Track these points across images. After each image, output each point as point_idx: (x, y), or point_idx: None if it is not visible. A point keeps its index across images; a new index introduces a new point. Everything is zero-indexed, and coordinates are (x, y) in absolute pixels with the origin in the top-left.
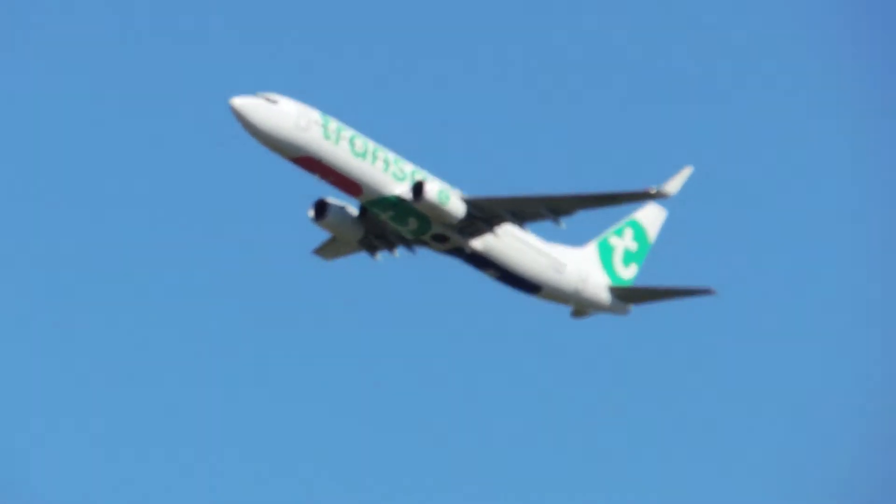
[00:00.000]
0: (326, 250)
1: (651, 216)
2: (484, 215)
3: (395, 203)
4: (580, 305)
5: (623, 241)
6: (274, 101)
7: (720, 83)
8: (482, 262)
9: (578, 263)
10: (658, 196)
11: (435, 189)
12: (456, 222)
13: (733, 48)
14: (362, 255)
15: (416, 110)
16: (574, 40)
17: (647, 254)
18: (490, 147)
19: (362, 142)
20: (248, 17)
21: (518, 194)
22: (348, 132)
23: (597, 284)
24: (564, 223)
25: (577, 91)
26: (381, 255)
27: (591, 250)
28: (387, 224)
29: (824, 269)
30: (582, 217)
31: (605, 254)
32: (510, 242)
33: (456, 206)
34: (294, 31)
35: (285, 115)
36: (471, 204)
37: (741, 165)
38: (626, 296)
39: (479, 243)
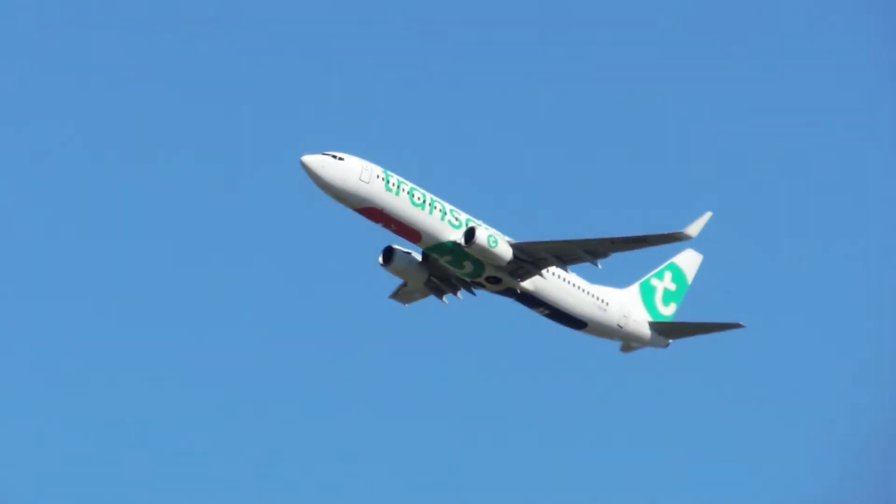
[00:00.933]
0: (400, 295)
1: (688, 260)
2: (529, 258)
3: (452, 248)
4: (624, 340)
5: (663, 283)
6: (340, 158)
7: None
8: (533, 301)
9: (621, 302)
10: (681, 238)
11: (484, 235)
12: (504, 264)
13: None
14: (432, 299)
15: (469, 167)
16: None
17: (685, 293)
18: (536, 197)
19: (420, 194)
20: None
21: (557, 239)
22: (408, 185)
23: (638, 321)
24: (601, 264)
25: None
26: (447, 298)
27: (633, 291)
28: (446, 268)
29: (852, 306)
30: (625, 262)
31: (647, 294)
32: (557, 283)
33: (504, 249)
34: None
35: (350, 170)
36: (517, 248)
37: (769, 211)
38: (664, 330)
39: (529, 284)
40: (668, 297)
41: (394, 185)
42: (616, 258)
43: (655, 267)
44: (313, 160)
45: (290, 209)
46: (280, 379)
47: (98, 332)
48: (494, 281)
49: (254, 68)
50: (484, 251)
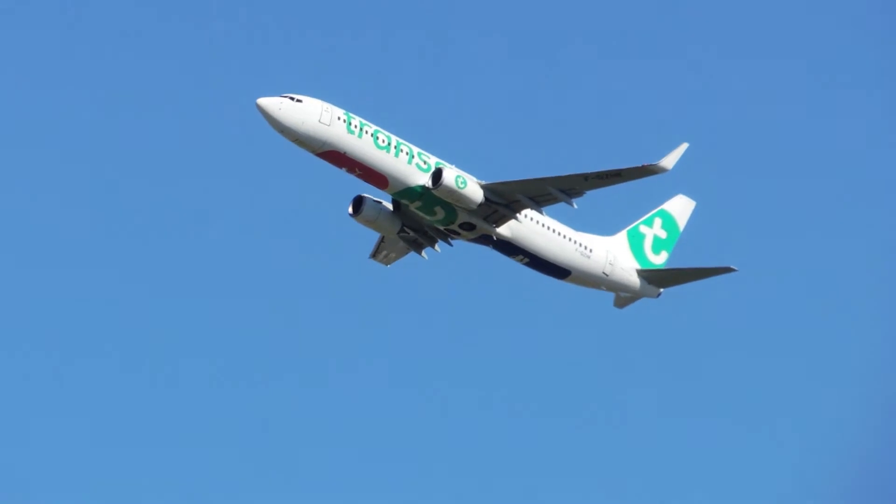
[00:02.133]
0: (380, 255)
1: (680, 206)
2: (502, 200)
3: (421, 192)
4: (610, 288)
5: (653, 230)
6: (299, 100)
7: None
8: (511, 248)
9: (606, 249)
10: (656, 170)
11: (452, 175)
12: (476, 207)
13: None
14: (412, 257)
15: (437, 107)
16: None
17: (676, 241)
18: (508, 138)
19: (385, 136)
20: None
21: (528, 178)
22: (372, 127)
23: (625, 268)
24: (576, 204)
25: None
26: (426, 253)
27: (621, 238)
28: (417, 215)
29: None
30: (614, 209)
31: (636, 241)
32: (536, 228)
33: (474, 190)
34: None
35: (309, 112)
36: (487, 189)
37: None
38: (653, 278)
39: (505, 230)
40: (658, 244)
41: (356, 126)
42: (606, 204)
43: (645, 214)
44: (269, 102)
45: (251, 156)
46: (258, 347)
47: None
48: (469, 227)
49: (205, 15)
50: (452, 193)
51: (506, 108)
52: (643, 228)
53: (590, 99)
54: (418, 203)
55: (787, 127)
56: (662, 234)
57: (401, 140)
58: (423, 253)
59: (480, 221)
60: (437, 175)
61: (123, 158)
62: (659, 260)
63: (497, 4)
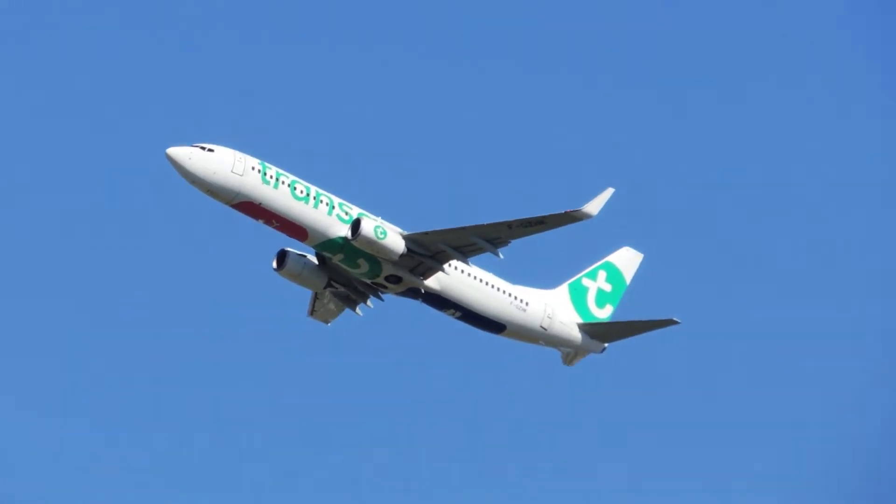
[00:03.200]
0: (317, 312)
1: (626, 259)
2: (425, 250)
3: (342, 244)
4: (550, 344)
5: (597, 283)
6: (210, 150)
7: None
8: (442, 302)
9: (545, 302)
10: (580, 216)
11: (371, 225)
12: (397, 258)
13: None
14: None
15: (361, 156)
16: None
17: (622, 294)
18: (433, 186)
19: (304, 186)
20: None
21: (450, 227)
22: (289, 178)
23: (565, 322)
24: (502, 254)
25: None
26: (361, 309)
27: (561, 291)
28: (342, 268)
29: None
30: (557, 263)
31: (578, 295)
32: (466, 281)
33: (394, 241)
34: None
35: (221, 161)
36: (409, 239)
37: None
38: (595, 332)
39: (433, 283)
40: (602, 298)
41: (272, 177)
42: (546, 258)
43: (588, 267)
44: (179, 152)
45: (165, 210)
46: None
47: None
48: (395, 280)
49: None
50: (372, 244)
51: (430, 153)
52: (586, 281)
53: (523, 137)
54: (340, 255)
55: (740, 173)
56: (607, 287)
57: (321, 191)
58: (358, 309)
59: (406, 274)
60: (355, 225)
61: (29, 218)
62: (604, 314)
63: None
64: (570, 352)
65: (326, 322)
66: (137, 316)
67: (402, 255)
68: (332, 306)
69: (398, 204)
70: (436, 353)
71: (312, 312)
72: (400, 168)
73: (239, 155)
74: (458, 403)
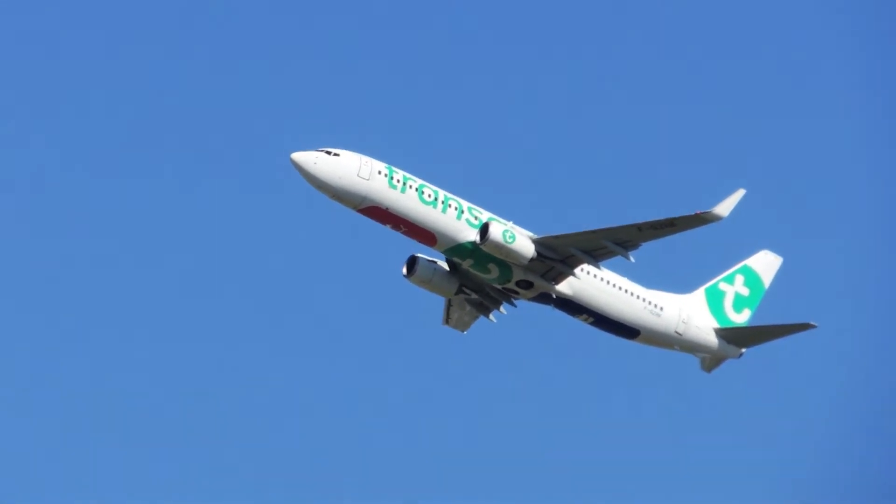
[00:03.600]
0: (452, 319)
1: (765, 262)
2: (555, 255)
3: (472, 249)
4: (685, 348)
5: (734, 287)
6: (336, 154)
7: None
8: (574, 307)
9: (680, 307)
10: (711, 218)
11: (499, 230)
12: (527, 262)
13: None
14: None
15: (487, 162)
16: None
17: (761, 299)
18: (563, 192)
19: (432, 191)
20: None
21: (580, 231)
22: (416, 182)
23: (700, 327)
24: (633, 258)
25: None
26: (494, 316)
27: (698, 296)
28: (473, 274)
29: None
30: (692, 266)
31: (715, 299)
32: (598, 285)
33: (524, 245)
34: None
35: (347, 166)
36: (539, 243)
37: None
38: (731, 337)
39: (565, 287)
40: (740, 302)
41: (399, 181)
42: (682, 263)
43: (725, 271)
44: (304, 157)
45: (290, 215)
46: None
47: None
48: (526, 286)
49: (240, 66)
50: (501, 248)
51: (556, 159)
52: (723, 286)
53: (647, 143)
54: (470, 261)
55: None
56: (745, 292)
57: (449, 195)
58: (491, 316)
59: (538, 279)
60: (484, 229)
61: (156, 217)
62: (741, 318)
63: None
64: (706, 357)
65: (462, 331)
66: (267, 322)
67: (532, 260)
68: (466, 314)
69: (527, 209)
70: (570, 359)
71: (447, 321)
72: (529, 173)
73: (365, 159)
74: (593, 408)
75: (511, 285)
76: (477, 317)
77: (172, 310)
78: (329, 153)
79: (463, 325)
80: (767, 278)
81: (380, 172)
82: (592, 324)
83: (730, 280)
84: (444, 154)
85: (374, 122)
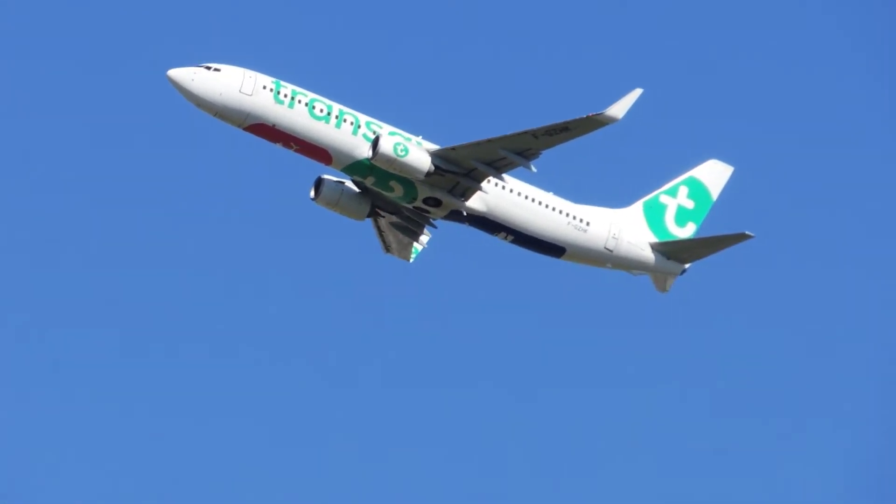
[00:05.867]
0: (392, 248)
1: (713, 173)
2: (456, 167)
3: (371, 166)
4: (618, 266)
5: (677, 200)
6: (216, 69)
7: None
8: (491, 225)
9: (611, 222)
10: (605, 120)
11: (390, 142)
12: (423, 177)
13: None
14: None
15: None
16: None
17: (708, 211)
18: (470, 104)
19: (325, 105)
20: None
21: (475, 140)
22: (308, 96)
23: (634, 242)
24: (534, 167)
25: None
26: (424, 241)
27: (635, 210)
28: (380, 193)
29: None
30: (633, 178)
31: (654, 213)
32: (515, 200)
33: (417, 157)
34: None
35: (228, 81)
36: (435, 156)
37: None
38: (668, 251)
39: (478, 204)
40: (683, 215)
41: (286, 95)
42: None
43: (669, 182)
44: (181, 74)
45: (181, 137)
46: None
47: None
48: (435, 203)
49: None
50: (393, 161)
51: (463, 71)
52: (664, 199)
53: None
54: (372, 178)
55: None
56: (689, 204)
57: (346, 109)
58: (421, 241)
59: (445, 195)
60: (374, 143)
61: (29, 155)
62: (685, 233)
63: None
64: (652, 276)
65: (408, 259)
66: (167, 261)
67: (430, 174)
68: (401, 240)
69: (434, 124)
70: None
71: (387, 248)
72: (437, 88)
73: (249, 73)
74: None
75: (419, 203)
76: (412, 241)
77: (66, 244)
78: (209, 68)
79: (405, 253)
80: (716, 189)
81: (265, 87)
82: (513, 242)
83: (672, 192)
84: (351, 71)
85: (278, 42)
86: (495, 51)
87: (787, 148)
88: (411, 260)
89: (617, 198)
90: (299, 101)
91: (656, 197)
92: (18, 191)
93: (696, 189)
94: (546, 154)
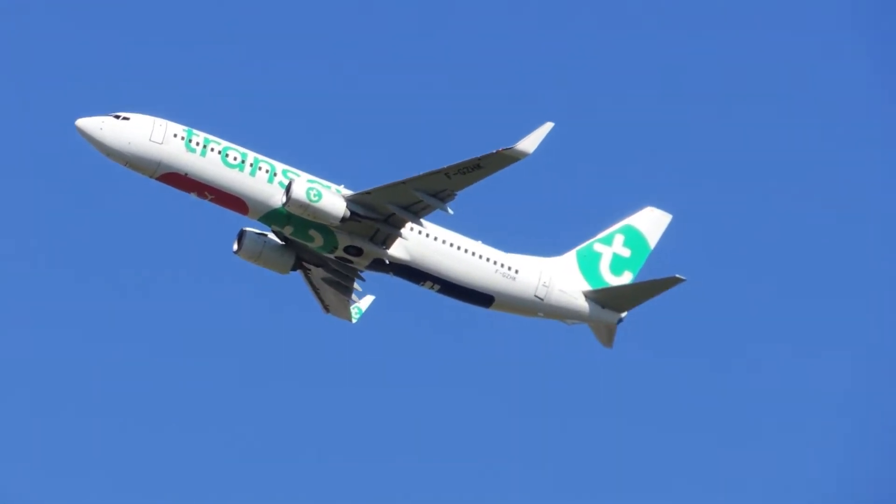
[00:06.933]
0: (332, 307)
1: (650, 221)
2: (373, 213)
3: (287, 215)
4: (551, 315)
5: (612, 248)
6: (126, 118)
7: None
8: (416, 274)
9: (542, 270)
10: (516, 154)
11: (303, 187)
12: (338, 222)
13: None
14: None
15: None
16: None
17: (644, 260)
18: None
19: (239, 153)
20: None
21: (389, 182)
22: (221, 144)
23: (566, 291)
24: (451, 209)
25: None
26: (357, 296)
27: (568, 259)
28: (301, 244)
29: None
30: (568, 228)
31: (588, 261)
32: (438, 248)
33: (331, 202)
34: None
35: (137, 130)
36: (350, 200)
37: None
38: (601, 299)
39: (400, 252)
40: (618, 264)
41: (198, 144)
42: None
43: (604, 231)
44: (89, 123)
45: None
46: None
47: None
48: (356, 252)
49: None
50: (306, 207)
51: (387, 114)
52: (599, 247)
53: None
54: (290, 227)
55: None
56: (625, 253)
57: (261, 157)
58: (354, 296)
59: (366, 243)
60: (287, 188)
61: None
62: (621, 282)
63: None
64: (592, 327)
65: (351, 319)
66: (85, 325)
67: (346, 220)
68: (336, 296)
69: (357, 170)
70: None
71: (325, 308)
72: (352, 134)
73: (160, 121)
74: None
75: (340, 252)
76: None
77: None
78: (118, 117)
79: (346, 313)
80: (653, 237)
81: (175, 135)
82: (440, 291)
83: (607, 241)
84: (267, 119)
85: (190, 91)
86: (427, 88)
87: (727, 192)
88: (354, 320)
89: (547, 247)
90: (212, 150)
91: (590, 245)
92: None
93: (633, 237)
94: (475, 204)
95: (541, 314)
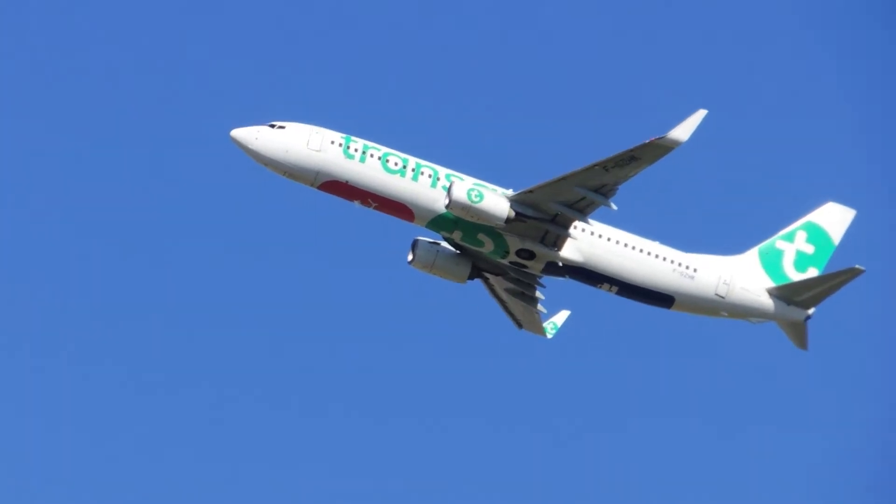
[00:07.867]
0: (527, 322)
1: (832, 217)
2: (536, 212)
3: (454, 219)
4: (734, 314)
5: (794, 245)
6: (281, 127)
7: None
8: (592, 276)
9: (722, 268)
10: (669, 143)
11: (463, 188)
12: (503, 223)
13: None
14: None
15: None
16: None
17: (830, 256)
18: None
19: (399, 158)
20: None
21: (547, 180)
22: (380, 150)
23: (749, 288)
24: (614, 204)
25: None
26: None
27: (750, 257)
28: (474, 251)
29: None
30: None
31: (771, 259)
32: (613, 249)
33: (494, 203)
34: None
35: (293, 139)
36: (513, 201)
37: None
38: (785, 296)
39: (573, 253)
40: (802, 261)
41: (356, 150)
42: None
43: (786, 227)
44: (244, 133)
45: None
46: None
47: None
48: (529, 256)
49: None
50: (468, 209)
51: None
52: (781, 244)
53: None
54: (459, 233)
55: None
56: (809, 249)
57: (423, 162)
58: (539, 305)
59: (537, 245)
60: (448, 190)
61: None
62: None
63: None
64: (785, 329)
65: (550, 335)
66: (271, 331)
67: (511, 220)
68: (525, 309)
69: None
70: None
71: (521, 324)
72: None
73: (315, 129)
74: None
75: (513, 257)
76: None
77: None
78: (273, 126)
79: (538, 327)
80: (837, 234)
81: (333, 142)
82: (618, 293)
83: (789, 238)
84: (431, 127)
85: (352, 104)
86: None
87: None
88: (549, 335)
89: (725, 247)
90: (371, 155)
91: (772, 243)
92: None
93: (816, 234)
94: (649, 204)
95: (724, 313)
